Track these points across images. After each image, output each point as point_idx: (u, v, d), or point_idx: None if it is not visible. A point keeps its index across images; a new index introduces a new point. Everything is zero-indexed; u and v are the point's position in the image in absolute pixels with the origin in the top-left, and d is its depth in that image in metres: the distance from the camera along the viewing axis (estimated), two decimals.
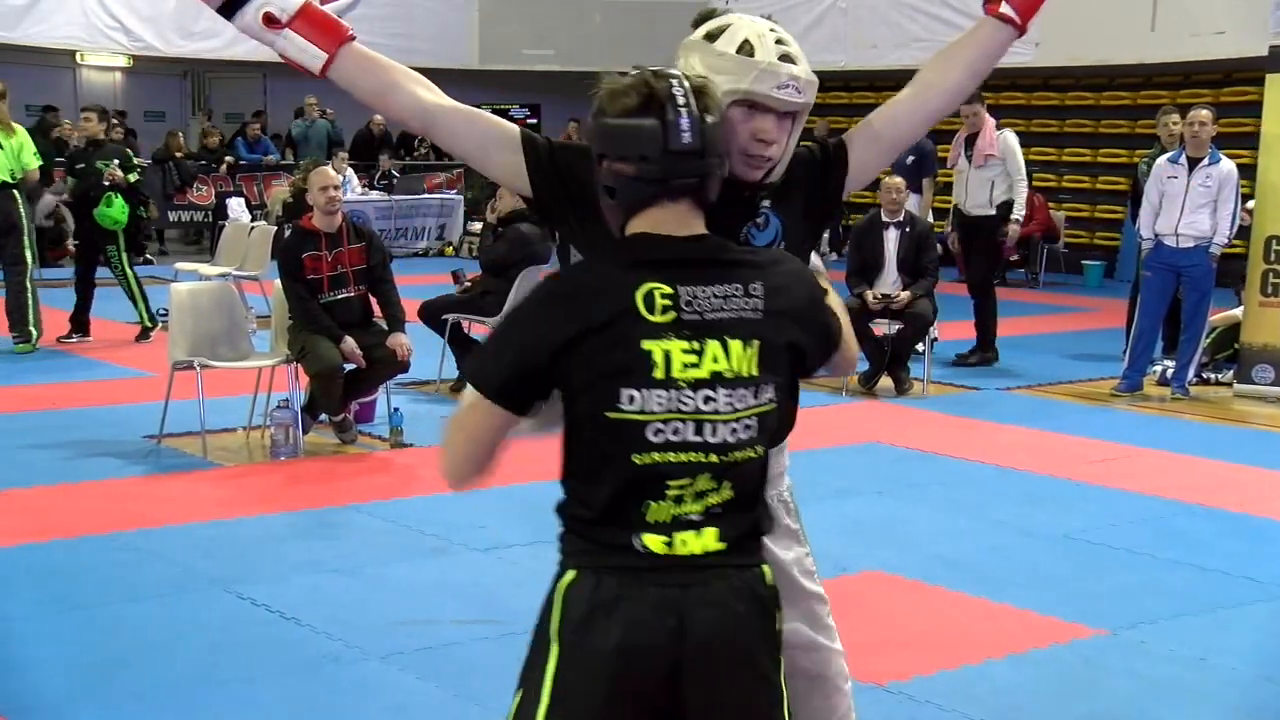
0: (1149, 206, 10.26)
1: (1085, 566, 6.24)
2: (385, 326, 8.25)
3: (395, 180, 19.88)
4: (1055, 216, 18.15)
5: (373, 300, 8.32)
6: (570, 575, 2.48)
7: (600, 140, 2.46)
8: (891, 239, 10.24)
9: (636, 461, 2.35)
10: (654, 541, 2.36)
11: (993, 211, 11.43)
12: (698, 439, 2.34)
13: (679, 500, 2.36)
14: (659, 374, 2.32)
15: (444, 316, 9.66)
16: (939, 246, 10.80)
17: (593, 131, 2.48)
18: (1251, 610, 5.73)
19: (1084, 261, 18.14)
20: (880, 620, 5.51)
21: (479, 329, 9.87)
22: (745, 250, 2.52)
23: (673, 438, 2.34)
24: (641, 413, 2.33)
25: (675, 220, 2.41)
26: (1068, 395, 10.33)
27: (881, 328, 10.18)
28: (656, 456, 2.34)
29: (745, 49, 2.87)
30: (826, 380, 10.57)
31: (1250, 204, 10.54)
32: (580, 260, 2.53)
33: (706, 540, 2.37)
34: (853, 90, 20.57)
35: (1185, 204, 10.02)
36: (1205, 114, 10.21)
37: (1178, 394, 10.13)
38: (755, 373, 2.36)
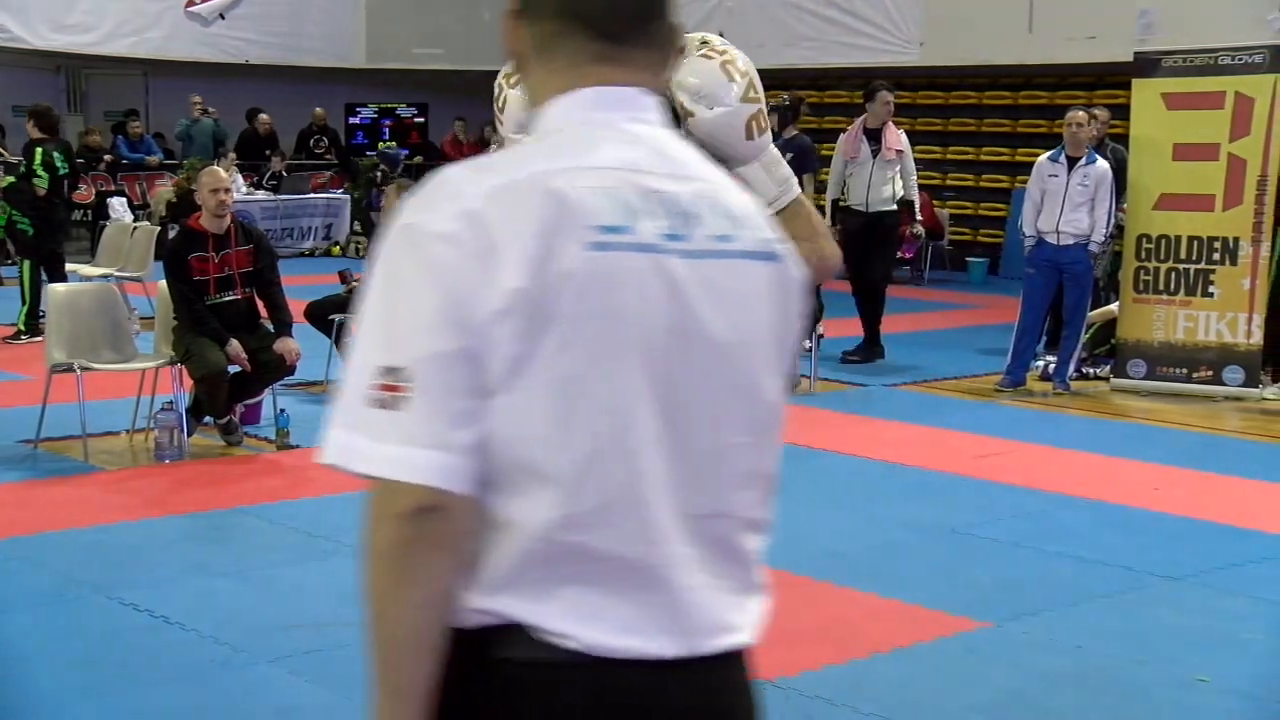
0: (1031, 205, 10.45)
1: (970, 560, 6.34)
2: (272, 329, 8.16)
3: (282, 179, 19.67)
4: (940, 214, 18.40)
5: (259, 303, 8.23)
6: None
7: None
8: None
9: None
10: None
11: (894, 207, 11.49)
12: None
13: None
14: None
15: (331, 317, 9.58)
16: None
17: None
18: (1127, 597, 5.86)
19: (968, 259, 18.40)
20: (769, 617, 5.54)
21: None
22: None
23: None
24: None
25: None
26: (953, 391, 10.47)
27: None
28: None
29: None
30: None
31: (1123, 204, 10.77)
32: None
33: None
34: None
35: (1065, 202, 10.21)
36: (1082, 115, 10.41)
37: (1059, 389, 10.31)
38: None
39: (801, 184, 12.75)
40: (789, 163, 12.54)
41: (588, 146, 1.76)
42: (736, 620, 1.82)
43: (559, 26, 1.83)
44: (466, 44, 22.03)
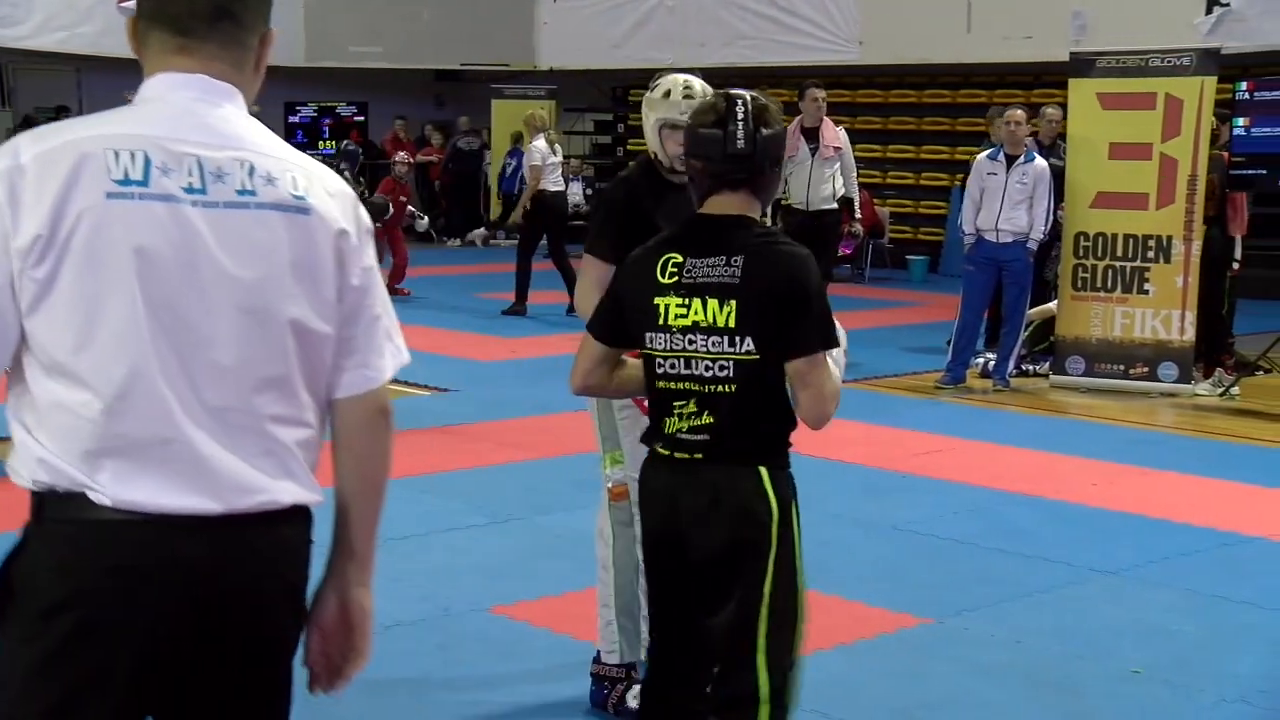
0: (971, 203, 10.52)
1: (913, 557, 6.37)
2: None
3: None
4: (880, 212, 18.49)
5: None
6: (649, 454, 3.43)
7: (687, 142, 3.35)
8: None
9: (659, 388, 3.31)
10: (659, 447, 3.33)
11: (834, 205, 11.51)
12: (684, 371, 3.25)
13: (679, 417, 3.27)
14: (661, 321, 3.25)
15: None
16: None
17: (685, 135, 3.39)
18: (1066, 592, 5.91)
19: (908, 256, 18.51)
20: None
21: None
22: (754, 233, 3.27)
23: (670, 370, 3.27)
24: (653, 349, 3.30)
25: (734, 205, 3.28)
26: (894, 389, 10.52)
27: None
28: (666, 385, 3.29)
29: (667, 94, 4.35)
30: None
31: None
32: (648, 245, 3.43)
33: (693, 451, 3.26)
34: None
35: (1004, 200, 10.29)
36: (1020, 114, 10.50)
37: (999, 386, 10.39)
38: (733, 325, 3.17)
39: None
40: None
41: (137, 117, 2.22)
42: (268, 485, 2.26)
43: (148, 25, 2.27)
44: (405, 43, 21.95)
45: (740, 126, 3.21)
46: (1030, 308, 10.62)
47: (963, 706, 4.69)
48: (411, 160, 15.09)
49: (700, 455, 3.26)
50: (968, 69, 18.17)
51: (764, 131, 3.24)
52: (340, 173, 14.88)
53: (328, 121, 22.54)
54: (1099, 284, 10.57)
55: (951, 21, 17.32)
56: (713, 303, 3.18)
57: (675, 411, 3.26)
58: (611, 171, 22.45)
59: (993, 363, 10.61)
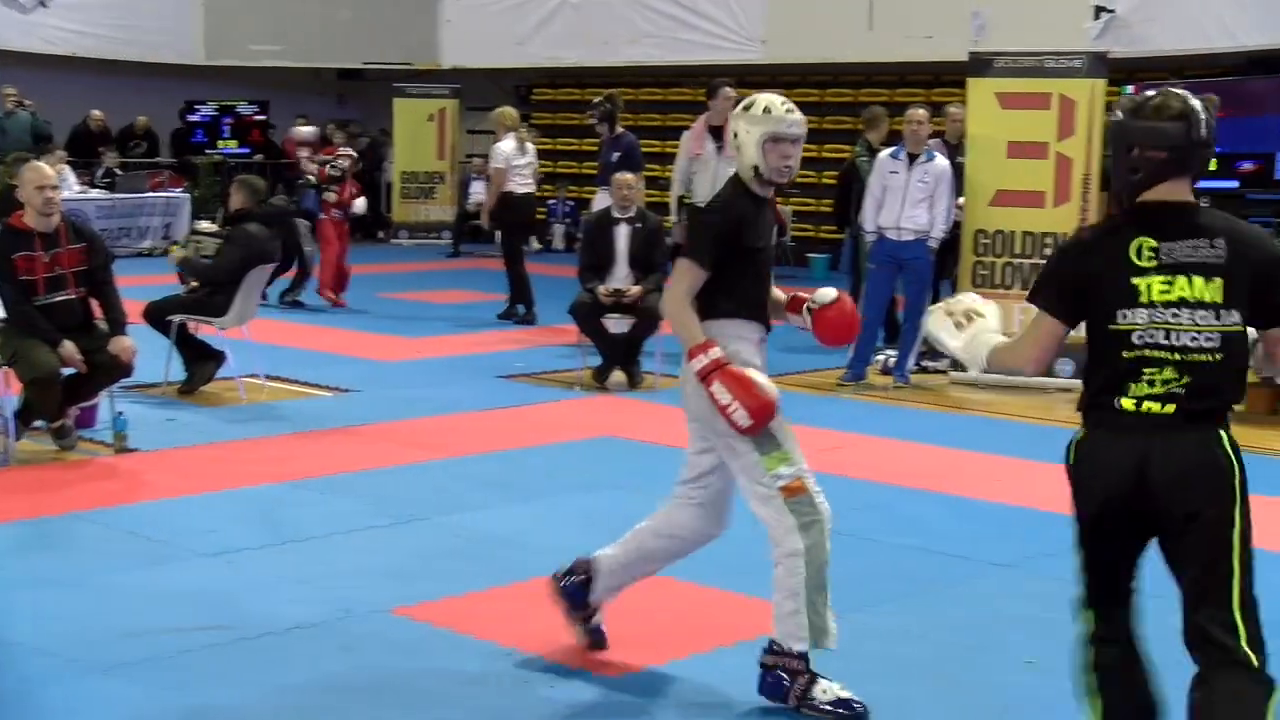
0: (872, 201, 10.60)
1: None
2: (107, 329, 7.96)
3: (117, 178, 19.18)
4: (783, 211, 18.58)
5: (94, 303, 8.03)
6: (1080, 434, 3.71)
7: (1134, 134, 3.61)
8: (623, 235, 10.34)
9: (1125, 356, 3.57)
10: (1128, 404, 3.56)
11: None
12: (1166, 342, 3.53)
13: (1150, 383, 3.54)
14: (1143, 299, 3.54)
15: (169, 318, 9.39)
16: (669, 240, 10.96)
17: (1123, 129, 3.65)
18: (967, 586, 5.98)
19: (809, 254, 18.63)
20: (612, 612, 5.55)
21: (206, 329, 9.62)
22: (1219, 215, 3.62)
23: (1149, 340, 3.54)
24: (1130, 324, 3.56)
25: (1179, 190, 3.61)
26: (796, 386, 10.57)
27: (613, 322, 10.28)
28: (1138, 354, 3.55)
29: (768, 110, 4.88)
30: (559, 376, 10.64)
31: (962, 199, 10.98)
32: (1090, 228, 3.91)
33: (1167, 410, 3.53)
34: (585, 86, 20.71)
35: (905, 198, 10.39)
36: (923, 113, 10.60)
37: (900, 382, 10.49)
38: (1219, 299, 3.52)
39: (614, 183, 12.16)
40: (618, 161, 12.67)
41: None
42: None
43: None
44: (307, 41, 21.73)
45: (1204, 118, 3.57)
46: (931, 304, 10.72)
47: (866, 700, 4.72)
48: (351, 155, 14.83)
49: (1172, 412, 3.53)
50: (870, 68, 18.32)
51: (1213, 121, 3.61)
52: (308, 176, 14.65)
53: (228, 120, 22.23)
54: (999, 281, 10.71)
55: (853, 21, 17.45)
56: (1198, 280, 3.51)
57: (1146, 378, 3.54)
58: None
59: (893, 360, 10.71)
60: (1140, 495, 3.56)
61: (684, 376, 4.81)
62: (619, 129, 11.94)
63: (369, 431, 8.68)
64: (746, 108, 4.88)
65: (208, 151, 21.38)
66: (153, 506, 6.91)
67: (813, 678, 4.61)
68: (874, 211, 10.56)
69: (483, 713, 4.60)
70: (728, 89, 11.50)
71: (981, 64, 11.05)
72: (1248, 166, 13.18)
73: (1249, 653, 3.49)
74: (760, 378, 4.75)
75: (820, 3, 17.84)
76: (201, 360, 9.57)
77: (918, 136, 10.48)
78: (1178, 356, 3.52)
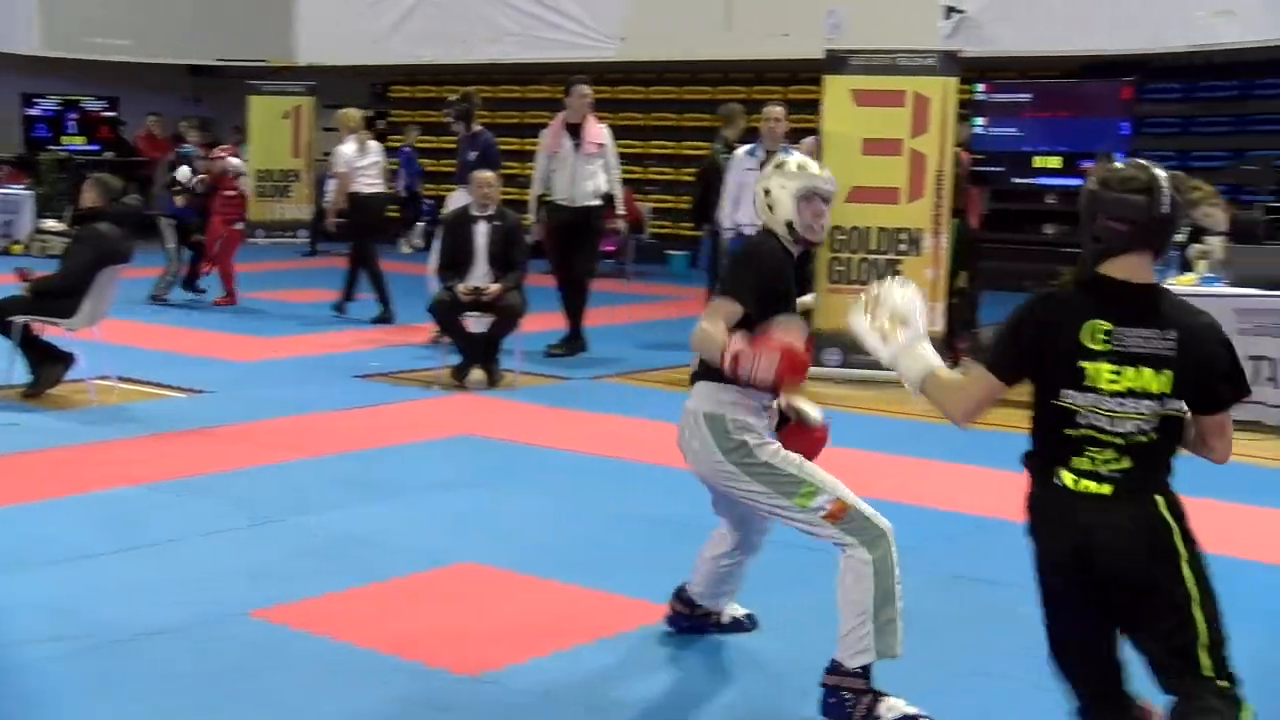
0: (729, 198, 10.67)
1: (674, 549, 6.41)
2: None
3: None
4: (641, 208, 18.66)
5: None
6: (1030, 491, 3.72)
7: (1100, 204, 3.56)
8: (482, 233, 10.30)
9: (1067, 433, 3.57)
10: (1068, 479, 3.58)
11: (598, 202, 11.53)
12: (1109, 429, 3.53)
13: (1092, 461, 3.56)
14: (1089, 383, 3.53)
15: (11, 319, 9.15)
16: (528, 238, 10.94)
17: (1091, 198, 3.59)
18: (824, 578, 6.03)
19: (669, 251, 18.72)
20: (472, 611, 5.55)
21: (53, 330, 9.40)
22: (1173, 304, 3.58)
23: (1092, 423, 3.54)
24: (1074, 405, 3.55)
25: (1142, 270, 3.57)
26: (655, 382, 10.63)
27: (472, 321, 10.24)
28: (1081, 433, 3.55)
29: (803, 167, 4.95)
30: (417, 375, 10.57)
31: None
32: (1048, 295, 3.71)
33: (1104, 489, 3.55)
34: (443, 84, 20.59)
35: None
36: (779, 110, 10.72)
37: None
38: (1167, 390, 3.51)
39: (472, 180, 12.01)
40: (475, 160, 12.55)
41: None
42: None
43: None
44: (156, 36, 21.27)
45: (1166, 193, 3.52)
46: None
47: (723, 693, 4.76)
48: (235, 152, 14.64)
49: (1110, 493, 3.55)
50: (727, 65, 18.46)
51: (1179, 199, 3.56)
52: (186, 179, 14.36)
53: (73, 115, 21.69)
54: (855, 276, 10.85)
55: (711, 19, 17.57)
56: (1148, 371, 3.51)
57: (1088, 456, 3.56)
58: None
59: None
60: (1085, 569, 3.58)
61: (684, 437, 4.87)
62: (476, 127, 11.89)
63: (225, 433, 8.54)
64: (779, 166, 4.96)
65: (50, 148, 20.83)
66: None
67: (876, 696, 4.53)
68: (731, 208, 10.64)
69: (342, 714, 4.55)
70: (582, 86, 11.50)
71: (837, 62, 11.20)
72: (1089, 166, 13.54)
73: (1222, 683, 3.53)
74: (778, 332, 4.51)
75: (678, 2, 17.92)
76: (48, 362, 9.34)
77: (774, 134, 10.59)
78: (1120, 441, 3.54)
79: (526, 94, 20.31)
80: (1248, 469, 8.09)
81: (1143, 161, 3.65)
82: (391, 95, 22.42)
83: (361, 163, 13.52)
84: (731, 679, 4.94)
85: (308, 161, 20.73)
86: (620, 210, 11.76)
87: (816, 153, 11.20)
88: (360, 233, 13.55)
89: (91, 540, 6.28)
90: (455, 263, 10.29)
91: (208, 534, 6.47)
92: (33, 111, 21.32)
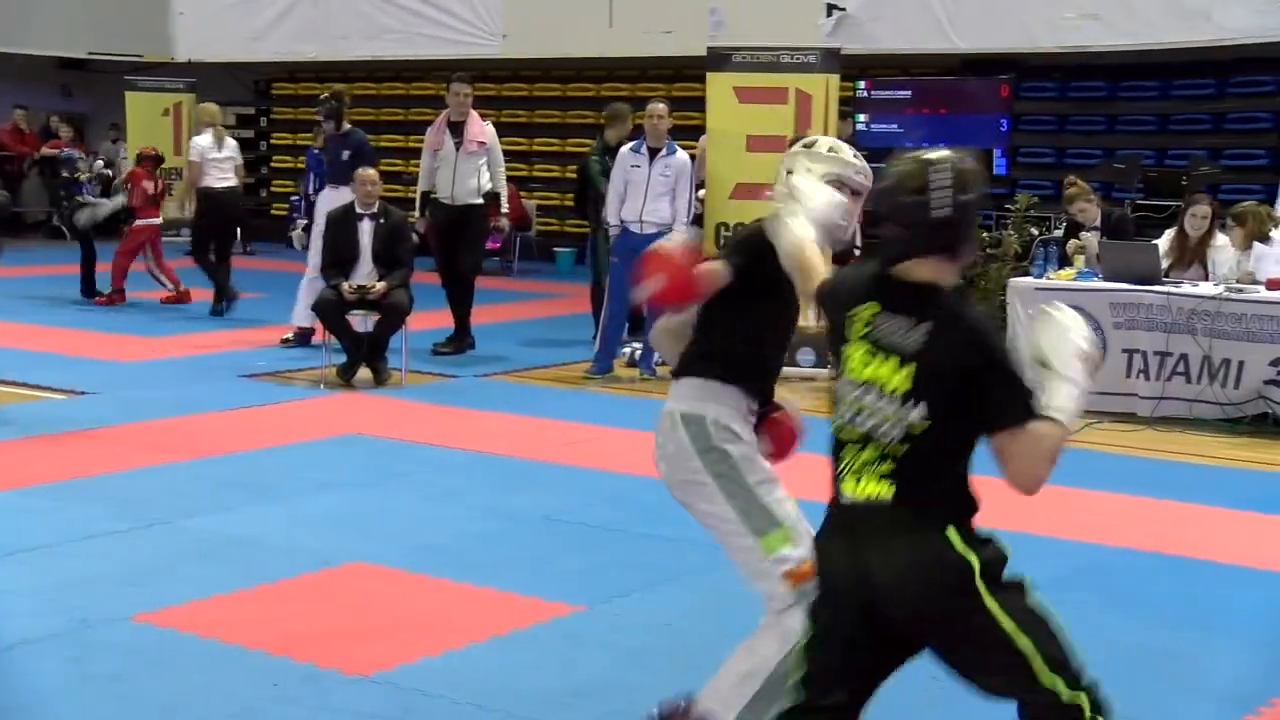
0: (615, 195, 10.71)
1: (564, 546, 6.46)
2: None
3: None
4: (527, 205, 18.63)
5: None
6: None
7: (880, 204, 3.28)
8: (366, 230, 10.24)
9: (835, 431, 3.29)
10: (846, 488, 3.25)
11: (480, 200, 11.50)
12: (856, 425, 3.21)
13: (856, 465, 3.22)
14: (845, 371, 3.25)
15: None
16: (414, 236, 10.90)
17: (875, 196, 3.40)
18: (712, 575, 6.08)
19: (555, 249, 18.72)
20: (362, 611, 5.52)
21: None
22: (950, 302, 3.21)
23: (844, 418, 3.24)
24: (839, 395, 3.27)
25: (933, 270, 3.21)
26: (543, 380, 10.64)
27: (358, 319, 10.17)
28: (841, 430, 3.27)
29: (835, 151, 4.13)
30: (303, 374, 10.48)
31: (702, 192, 11.18)
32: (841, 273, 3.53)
33: (879, 495, 3.18)
34: (325, 81, 20.40)
35: (648, 192, 10.53)
36: (663, 107, 10.76)
37: (646, 375, 10.62)
38: (906, 389, 3.13)
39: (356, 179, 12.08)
40: (348, 160, 12.47)
41: None
42: None
43: None
44: (20, 26, 20.73)
45: (943, 192, 3.17)
46: None
47: (618, 691, 4.79)
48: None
49: (888, 500, 3.17)
50: (611, 63, 18.49)
51: (963, 197, 3.19)
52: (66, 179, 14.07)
53: None
54: None
55: (593, 16, 17.58)
56: (891, 362, 3.16)
57: (854, 458, 3.23)
58: (255, 166, 21.89)
59: (639, 352, 10.84)
60: (867, 613, 3.20)
61: (658, 442, 4.26)
62: (346, 125, 11.80)
63: (105, 434, 8.40)
64: (809, 145, 4.19)
65: None
66: None
67: None
68: (616, 205, 10.68)
69: (233, 717, 4.51)
70: (457, 84, 11.48)
71: (720, 59, 11.28)
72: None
73: (1076, 696, 3.15)
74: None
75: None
76: None
77: (658, 130, 10.63)
78: (867, 437, 3.19)
79: (410, 91, 20.19)
80: (1120, 459, 8.30)
81: (931, 154, 3.26)
82: (274, 92, 22.17)
83: (216, 155, 13.46)
84: (631, 672, 4.96)
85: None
86: (505, 208, 11.74)
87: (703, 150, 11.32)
88: (214, 227, 13.57)
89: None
90: (339, 261, 10.22)
91: (87, 538, 6.36)
92: None
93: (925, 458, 3.15)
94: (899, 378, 3.14)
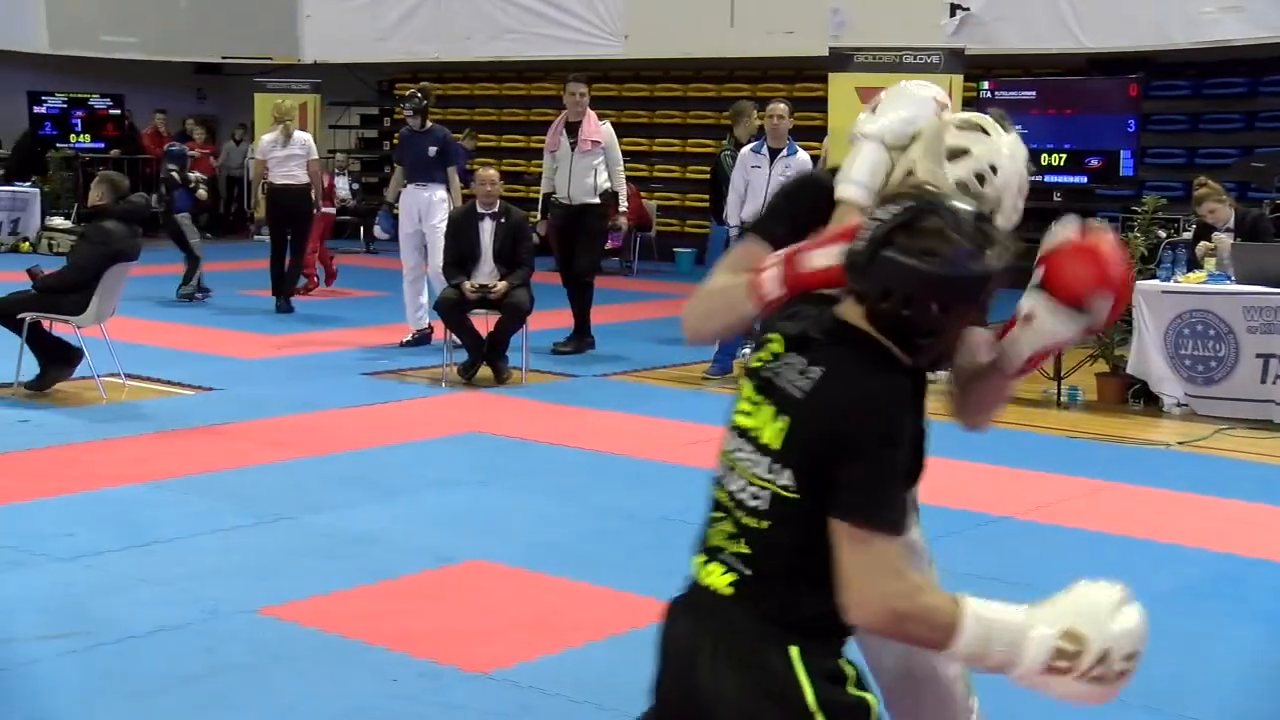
0: (735, 196, 10.67)
1: (682, 546, 6.38)
2: None
3: None
4: (648, 205, 18.65)
5: None
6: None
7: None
8: (487, 230, 10.31)
9: (712, 491, 2.65)
10: (695, 564, 2.64)
11: (597, 199, 11.53)
12: (724, 485, 2.59)
13: (711, 540, 2.61)
14: (732, 411, 2.61)
15: (21, 315, 9.16)
16: (534, 236, 10.95)
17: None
18: None
19: (675, 249, 18.71)
20: (483, 609, 5.54)
21: (61, 328, 9.41)
22: (849, 350, 2.47)
23: (718, 473, 2.62)
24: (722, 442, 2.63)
25: (853, 310, 2.48)
26: (662, 380, 10.63)
27: (480, 318, 10.24)
28: (713, 492, 2.63)
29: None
30: (424, 372, 10.57)
31: None
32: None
33: (722, 585, 2.54)
34: (446, 81, 20.60)
35: (768, 193, 10.47)
36: (783, 107, 10.70)
37: None
38: (776, 447, 2.47)
39: (448, 177, 12.37)
40: (434, 157, 12.40)
41: None
42: None
43: None
44: (162, 34, 21.27)
45: (874, 230, 2.44)
46: None
47: None
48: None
49: (730, 593, 2.55)
50: (732, 63, 18.45)
51: (887, 252, 2.41)
52: (170, 174, 14.45)
53: (80, 114, 21.66)
54: None
55: (715, 16, 17.56)
56: (770, 410, 2.50)
57: (711, 530, 2.63)
58: (378, 166, 22.17)
59: None
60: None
61: None
62: (429, 123, 11.85)
63: (231, 430, 8.54)
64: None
65: (58, 145, 20.85)
66: (3, 510, 6.73)
67: None
68: (737, 206, 10.64)
69: (351, 712, 4.55)
70: (573, 84, 11.52)
71: (842, 59, 11.20)
72: (1095, 163, 13.55)
73: None
74: None
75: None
76: (57, 359, 9.35)
77: (778, 131, 10.57)
78: (732, 506, 2.56)
79: (532, 91, 20.31)
80: (1255, 466, 8.09)
81: (929, 190, 2.54)
82: (396, 92, 22.41)
83: (279, 153, 13.51)
84: None
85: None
86: (623, 206, 11.76)
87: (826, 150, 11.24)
88: (275, 225, 13.70)
89: (99, 538, 6.27)
90: (460, 260, 10.30)
91: (215, 531, 6.47)
92: (39, 110, 21.31)
93: (783, 546, 2.48)
94: (771, 430, 2.48)
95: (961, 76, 10.98)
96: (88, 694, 4.66)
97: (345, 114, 22.49)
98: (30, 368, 9.30)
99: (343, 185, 18.60)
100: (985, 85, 14.99)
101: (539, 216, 11.69)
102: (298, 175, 13.56)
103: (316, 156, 14.08)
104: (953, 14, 15.43)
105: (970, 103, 11.56)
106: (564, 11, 19.13)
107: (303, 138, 13.84)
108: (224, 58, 22.09)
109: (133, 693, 4.67)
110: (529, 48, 19.37)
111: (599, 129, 11.50)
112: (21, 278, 9.86)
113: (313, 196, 13.69)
